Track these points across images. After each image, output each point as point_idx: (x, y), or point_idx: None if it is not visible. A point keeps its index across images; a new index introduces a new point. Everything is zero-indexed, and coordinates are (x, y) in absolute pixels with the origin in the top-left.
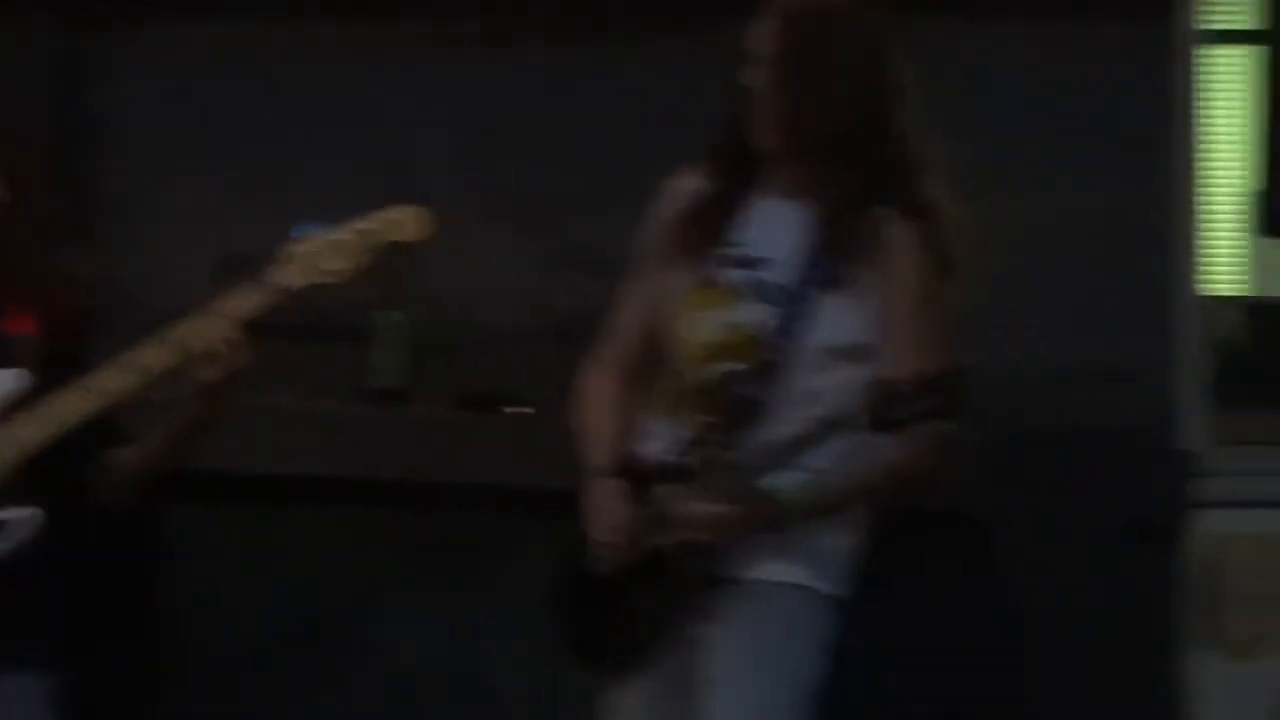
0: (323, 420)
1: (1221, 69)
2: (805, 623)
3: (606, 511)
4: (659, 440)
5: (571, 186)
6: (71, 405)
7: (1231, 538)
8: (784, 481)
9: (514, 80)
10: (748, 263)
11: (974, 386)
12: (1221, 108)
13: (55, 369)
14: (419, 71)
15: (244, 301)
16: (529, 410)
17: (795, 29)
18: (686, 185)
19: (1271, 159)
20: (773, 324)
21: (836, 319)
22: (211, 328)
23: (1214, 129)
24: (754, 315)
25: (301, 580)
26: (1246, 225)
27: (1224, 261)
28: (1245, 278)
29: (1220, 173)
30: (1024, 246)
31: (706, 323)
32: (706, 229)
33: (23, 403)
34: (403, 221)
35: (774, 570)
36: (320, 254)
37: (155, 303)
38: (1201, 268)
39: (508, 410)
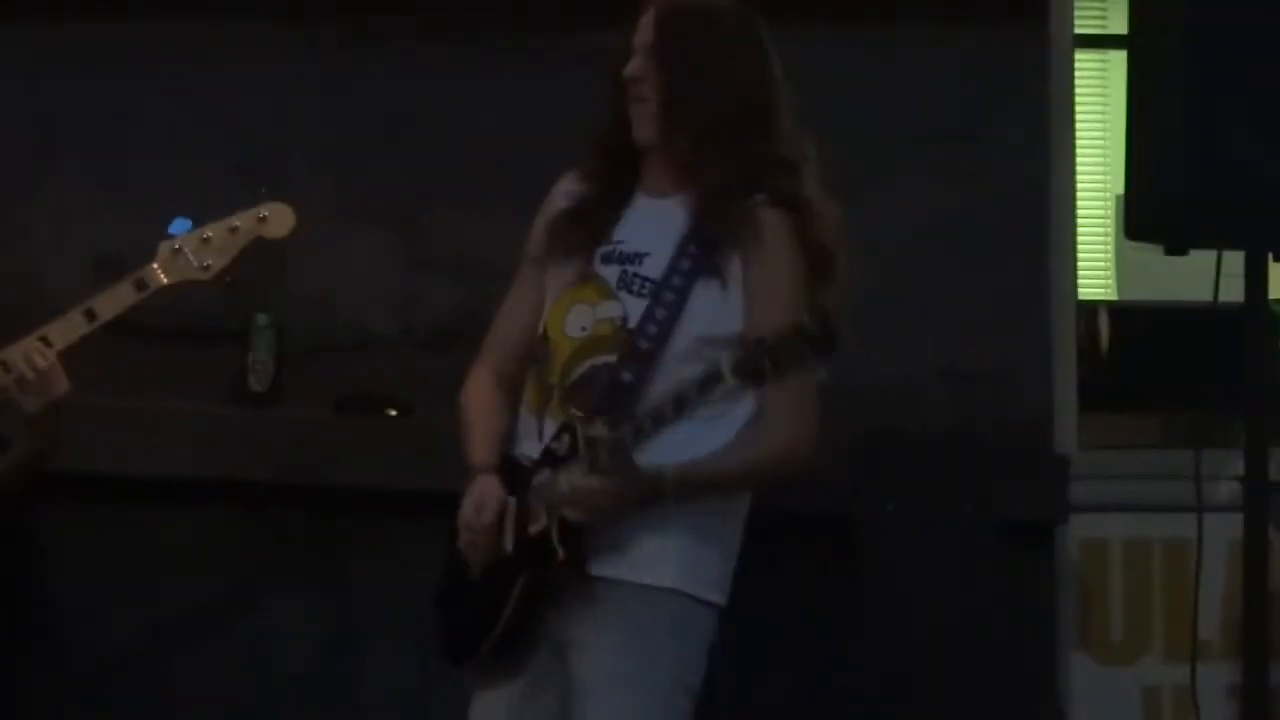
0: (197, 422)
1: (1084, 73)
2: (683, 629)
3: (481, 504)
4: (531, 437)
5: (439, 188)
6: None
7: (1104, 541)
8: (660, 459)
9: (382, 81)
10: (623, 258)
11: (850, 389)
12: (1084, 112)
13: None
14: (287, 71)
15: (111, 301)
16: (395, 413)
17: (669, 22)
18: (570, 187)
19: (1136, 163)
20: (642, 315)
21: (708, 309)
22: (30, 356)
23: (1079, 133)
24: (625, 309)
25: (174, 582)
26: (1111, 229)
27: (1090, 265)
28: (1110, 282)
29: (1084, 177)
30: (898, 250)
31: (579, 318)
32: (586, 227)
33: None
34: (271, 218)
35: (652, 574)
36: (191, 251)
37: (25, 302)
38: (1074, 271)
39: (391, 413)
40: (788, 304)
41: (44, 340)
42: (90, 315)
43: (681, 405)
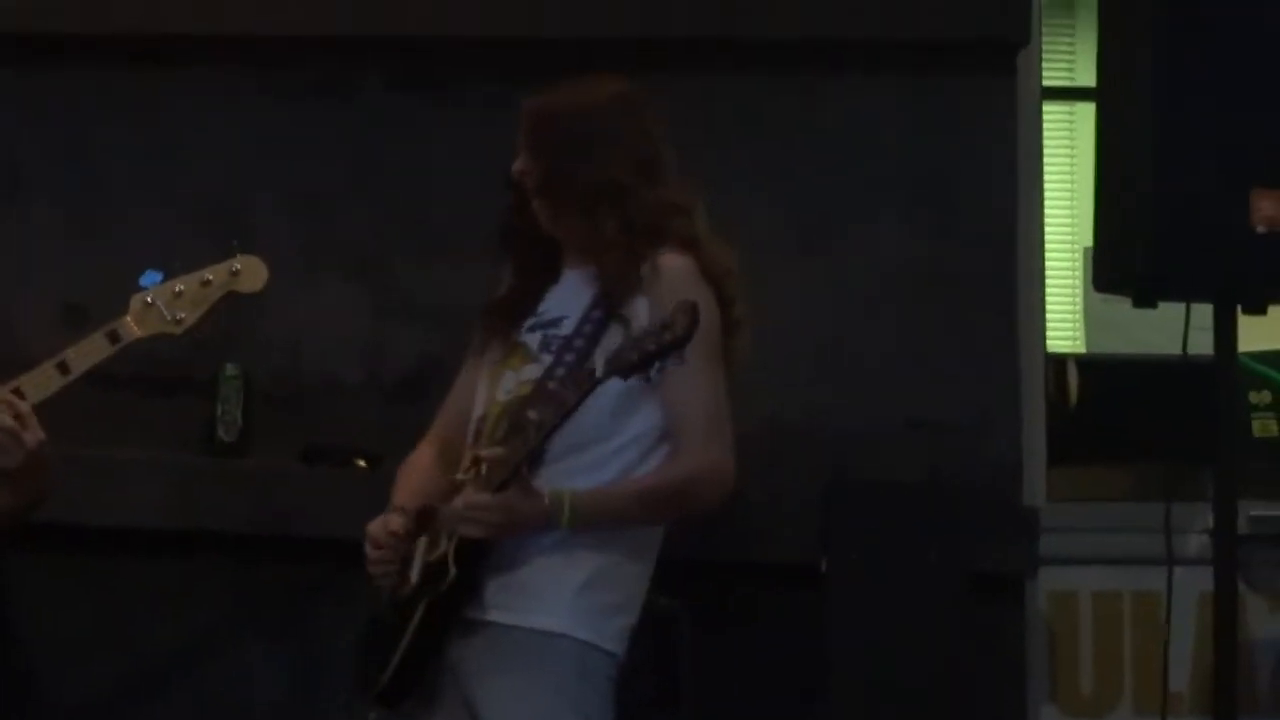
0: (166, 471)
1: (1052, 125)
2: (584, 672)
3: (372, 538)
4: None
5: (404, 237)
6: None
7: (1073, 593)
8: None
9: (349, 129)
10: (544, 324)
11: (817, 438)
12: (1052, 163)
13: None
14: (254, 119)
15: (84, 353)
16: (363, 463)
17: (535, 117)
18: (503, 282)
19: (1104, 215)
20: (552, 362)
21: (611, 349)
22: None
23: (1047, 184)
24: (540, 368)
25: (144, 631)
26: (1079, 281)
27: (1058, 317)
28: (1079, 333)
29: (1052, 228)
30: (867, 299)
31: (505, 383)
32: (512, 309)
33: None
34: (243, 272)
35: (552, 619)
36: (164, 304)
37: None
38: (1043, 323)
39: (359, 463)
40: (696, 343)
41: (17, 393)
42: (64, 368)
43: (562, 408)
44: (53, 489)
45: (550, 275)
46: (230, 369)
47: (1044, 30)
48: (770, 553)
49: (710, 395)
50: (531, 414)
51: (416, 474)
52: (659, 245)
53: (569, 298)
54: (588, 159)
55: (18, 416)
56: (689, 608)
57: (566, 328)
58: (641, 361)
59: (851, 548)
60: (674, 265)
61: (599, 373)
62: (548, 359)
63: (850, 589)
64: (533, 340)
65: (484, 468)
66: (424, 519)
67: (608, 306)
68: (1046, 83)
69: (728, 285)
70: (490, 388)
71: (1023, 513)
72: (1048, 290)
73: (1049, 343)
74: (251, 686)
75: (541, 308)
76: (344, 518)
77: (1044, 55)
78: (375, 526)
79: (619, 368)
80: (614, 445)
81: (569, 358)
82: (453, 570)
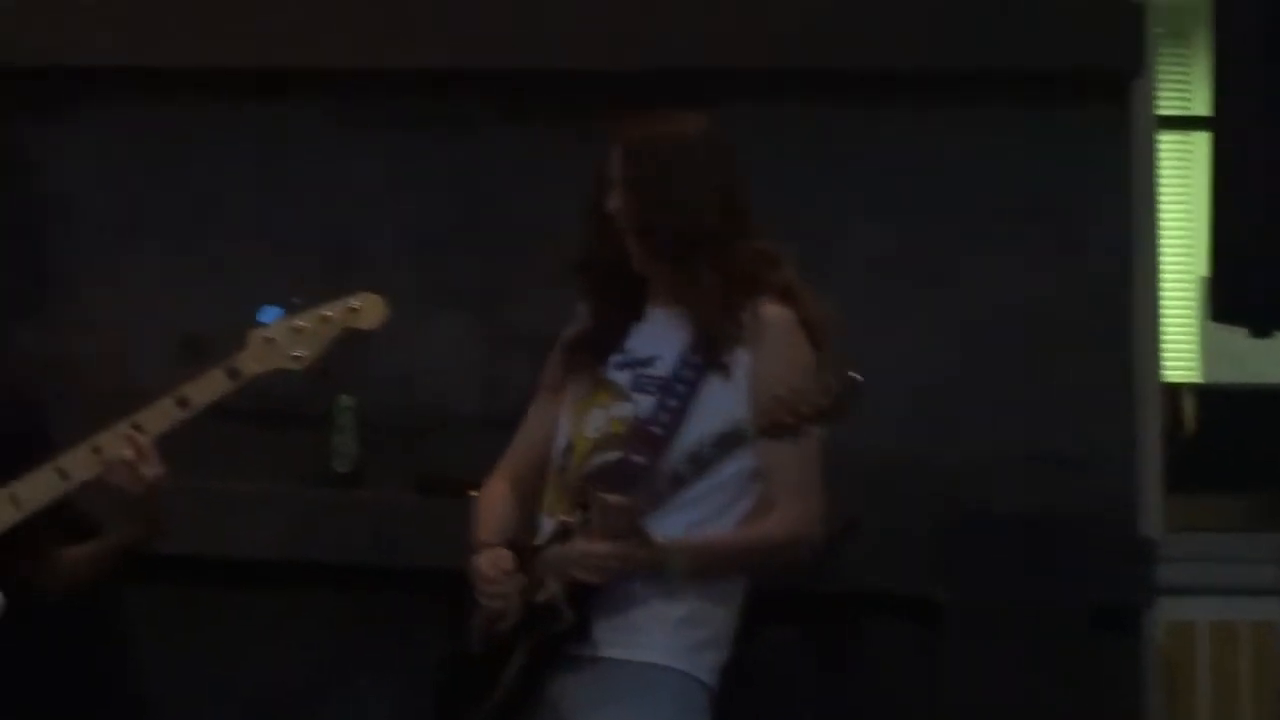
0: (280, 503)
1: (1167, 154)
2: (685, 706)
3: (488, 575)
4: (543, 535)
5: (516, 269)
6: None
7: (1190, 625)
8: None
9: (464, 165)
10: (634, 363)
11: (935, 470)
12: (1167, 193)
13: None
14: (368, 152)
15: (203, 389)
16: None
17: (634, 153)
18: (579, 313)
19: (1220, 245)
20: (654, 407)
21: (716, 399)
22: (123, 443)
23: (1162, 214)
24: (637, 408)
25: (258, 661)
26: (1196, 311)
27: (1174, 347)
28: (1195, 363)
29: (1168, 258)
30: (982, 331)
31: (594, 420)
32: (597, 344)
33: None
34: (362, 309)
35: (655, 653)
36: (283, 340)
37: (108, 384)
38: (1158, 353)
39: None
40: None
41: (136, 427)
42: (183, 403)
43: (699, 463)
44: (168, 522)
45: (632, 312)
46: (345, 400)
47: (1159, 59)
48: (886, 584)
49: (809, 454)
50: (637, 458)
51: (496, 509)
52: (755, 294)
53: (659, 338)
54: (683, 202)
55: (138, 451)
56: (805, 637)
57: (661, 369)
58: (795, 424)
59: (968, 579)
60: (776, 316)
61: (747, 431)
62: (645, 400)
63: (967, 620)
64: (623, 378)
65: (599, 512)
66: (517, 554)
67: (708, 354)
68: (1162, 112)
69: (823, 335)
70: (576, 423)
71: (1139, 543)
72: (1164, 320)
73: (1165, 373)
74: (368, 716)
75: (629, 345)
76: (457, 549)
77: (1159, 84)
78: (486, 564)
79: (770, 429)
80: (706, 486)
81: (671, 403)
82: (570, 616)
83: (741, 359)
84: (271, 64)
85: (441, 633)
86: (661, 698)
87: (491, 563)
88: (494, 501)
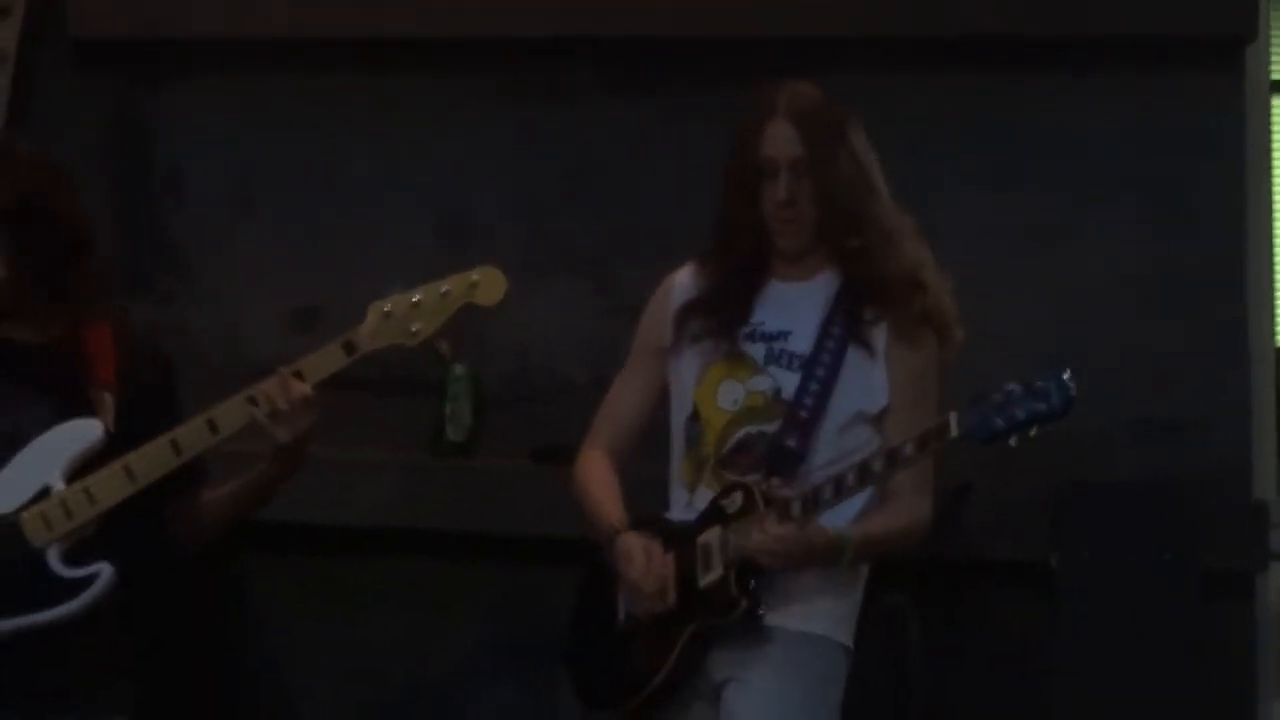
0: (396, 472)
1: None
2: (836, 674)
3: (649, 556)
4: (680, 506)
5: (628, 237)
6: (149, 461)
7: None
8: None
9: (574, 132)
10: (767, 336)
11: (1048, 436)
12: None
13: (132, 422)
14: (479, 123)
15: (320, 363)
16: None
17: (810, 135)
18: (687, 280)
19: None
20: (799, 387)
21: (859, 380)
22: (283, 389)
23: (1277, 179)
24: (776, 381)
25: (373, 630)
26: None
27: None
28: None
29: None
30: (1094, 298)
31: (729, 392)
32: (722, 312)
33: (101, 456)
34: (481, 283)
35: (814, 623)
36: (401, 315)
37: (224, 355)
38: (1272, 318)
39: None
40: (926, 381)
41: (297, 374)
42: (298, 377)
43: (864, 477)
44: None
45: (755, 283)
46: (459, 369)
47: (1274, 24)
48: (1000, 550)
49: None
50: (790, 442)
51: (614, 485)
52: (891, 277)
53: (790, 311)
54: (860, 187)
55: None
56: (920, 603)
57: (798, 345)
58: (1009, 429)
59: (1082, 545)
60: (910, 300)
61: (954, 432)
62: (783, 376)
63: (1080, 586)
64: (756, 351)
65: (769, 501)
66: (664, 535)
67: (846, 334)
68: (1276, 77)
69: (945, 317)
70: (705, 394)
71: (1253, 507)
72: (1277, 286)
73: (1278, 338)
74: (476, 684)
75: (756, 316)
76: (571, 517)
77: (1274, 49)
78: (638, 550)
79: (982, 434)
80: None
81: (814, 385)
82: (744, 603)
83: (881, 341)
84: (382, 34)
85: (555, 599)
86: (816, 666)
87: (645, 551)
88: (605, 475)
